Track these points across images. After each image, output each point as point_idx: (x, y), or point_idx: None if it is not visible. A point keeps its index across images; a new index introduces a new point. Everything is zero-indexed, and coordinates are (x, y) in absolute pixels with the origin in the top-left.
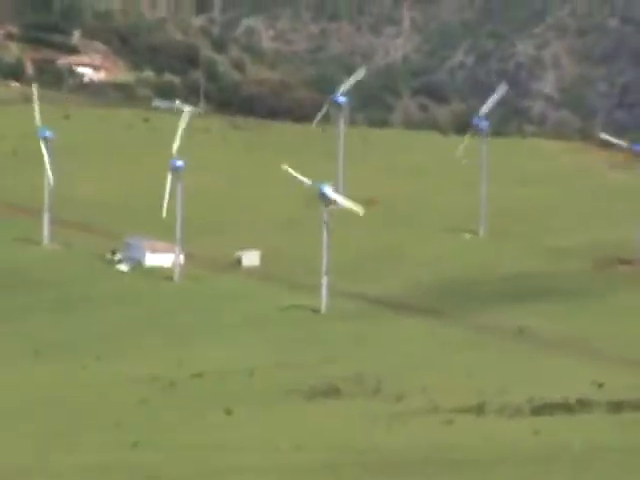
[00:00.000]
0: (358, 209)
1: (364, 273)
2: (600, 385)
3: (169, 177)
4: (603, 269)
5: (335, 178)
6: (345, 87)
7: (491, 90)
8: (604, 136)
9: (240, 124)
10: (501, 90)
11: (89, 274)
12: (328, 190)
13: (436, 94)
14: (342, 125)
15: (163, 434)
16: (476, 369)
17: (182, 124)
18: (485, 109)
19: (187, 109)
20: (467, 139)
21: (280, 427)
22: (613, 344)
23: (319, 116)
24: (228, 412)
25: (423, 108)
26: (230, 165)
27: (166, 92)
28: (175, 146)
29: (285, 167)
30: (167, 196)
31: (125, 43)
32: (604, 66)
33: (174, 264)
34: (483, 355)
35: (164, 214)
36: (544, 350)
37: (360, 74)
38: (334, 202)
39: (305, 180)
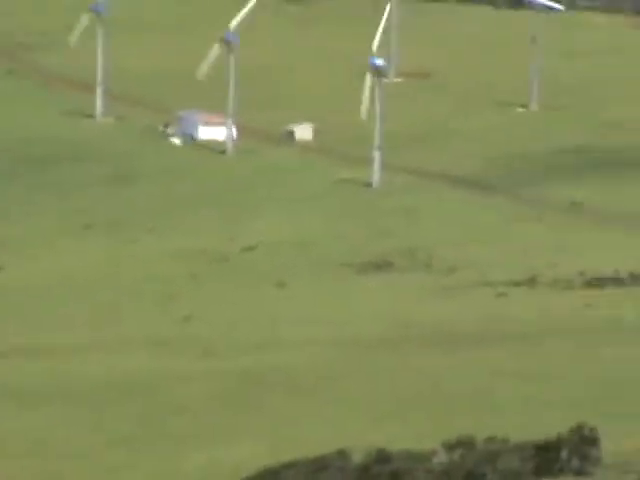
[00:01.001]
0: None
1: (416, 147)
2: None
3: (216, 46)
4: None
5: (387, 50)
6: None
7: None
8: None
9: None
10: None
11: (142, 148)
12: (380, 61)
13: None
14: None
15: (215, 307)
16: (528, 243)
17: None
18: None
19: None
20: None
21: (333, 300)
22: None
23: None
24: (281, 285)
25: None
26: (283, 39)
27: None
28: (234, 22)
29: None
30: (210, 60)
31: None
32: None
33: (227, 137)
34: (535, 229)
35: (199, 76)
36: (596, 224)
37: None
38: (387, 73)
39: (214, 52)
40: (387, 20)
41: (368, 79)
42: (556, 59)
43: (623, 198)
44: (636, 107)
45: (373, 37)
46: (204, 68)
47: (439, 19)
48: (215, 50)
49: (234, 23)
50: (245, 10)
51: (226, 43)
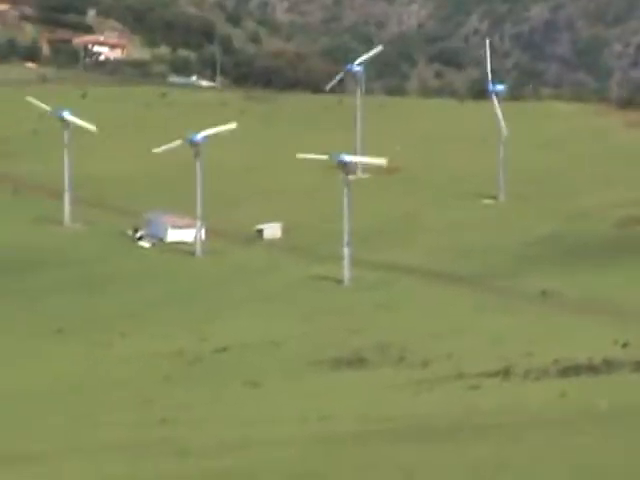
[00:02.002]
0: (381, 161)
1: (385, 241)
2: (624, 345)
3: (178, 141)
4: (624, 229)
5: (353, 147)
6: (361, 60)
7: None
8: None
9: (257, 97)
10: (377, 49)
11: (111, 252)
12: (347, 157)
13: (451, 60)
14: (359, 94)
15: (191, 409)
16: (500, 333)
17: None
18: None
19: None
20: (496, 105)
21: (306, 398)
22: (636, 304)
23: (334, 82)
24: (254, 384)
25: (438, 75)
26: (248, 138)
27: (182, 68)
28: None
29: (300, 155)
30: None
31: (139, 20)
32: (618, 26)
33: (196, 239)
34: (507, 319)
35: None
36: (568, 312)
37: (377, 50)
38: (354, 169)
39: (322, 157)
40: (354, 116)
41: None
42: (523, 149)
43: (593, 286)
44: (602, 195)
45: (338, 134)
46: (163, 148)
47: (404, 114)
48: (177, 142)
49: (205, 134)
50: (220, 129)
51: (193, 144)
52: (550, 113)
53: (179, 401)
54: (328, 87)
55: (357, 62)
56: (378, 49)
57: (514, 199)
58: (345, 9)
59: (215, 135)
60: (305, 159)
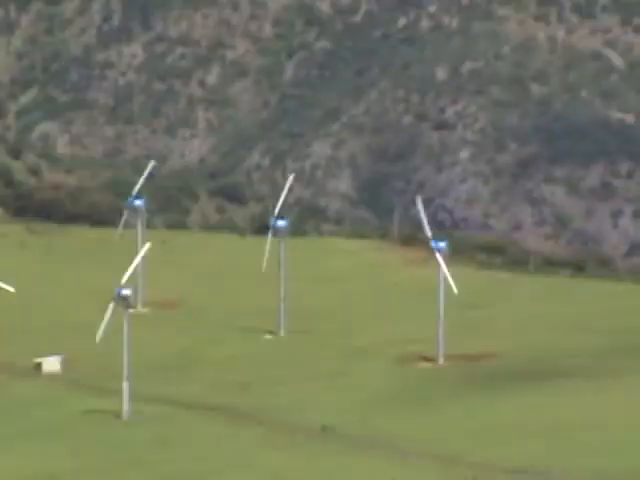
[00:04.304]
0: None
1: (166, 376)
2: None
3: None
4: (404, 366)
5: (135, 281)
6: (139, 185)
7: (289, 191)
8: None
9: (37, 229)
10: (289, 182)
11: None
12: (127, 291)
13: (233, 195)
14: (140, 229)
15: None
16: (281, 469)
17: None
18: (278, 207)
19: None
20: (269, 243)
21: None
22: (413, 440)
23: (121, 224)
24: None
25: (220, 210)
26: (28, 270)
27: None
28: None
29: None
30: None
31: None
32: (399, 163)
33: None
34: (287, 454)
35: None
36: (347, 448)
37: (150, 167)
38: (134, 303)
39: (109, 309)
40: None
41: (110, 307)
42: (303, 284)
43: (375, 422)
44: (381, 331)
45: (118, 268)
46: None
47: (185, 249)
48: None
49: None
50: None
51: None
52: (331, 249)
53: None
54: (118, 230)
55: (135, 189)
56: (151, 165)
57: (294, 334)
58: (127, 144)
59: None
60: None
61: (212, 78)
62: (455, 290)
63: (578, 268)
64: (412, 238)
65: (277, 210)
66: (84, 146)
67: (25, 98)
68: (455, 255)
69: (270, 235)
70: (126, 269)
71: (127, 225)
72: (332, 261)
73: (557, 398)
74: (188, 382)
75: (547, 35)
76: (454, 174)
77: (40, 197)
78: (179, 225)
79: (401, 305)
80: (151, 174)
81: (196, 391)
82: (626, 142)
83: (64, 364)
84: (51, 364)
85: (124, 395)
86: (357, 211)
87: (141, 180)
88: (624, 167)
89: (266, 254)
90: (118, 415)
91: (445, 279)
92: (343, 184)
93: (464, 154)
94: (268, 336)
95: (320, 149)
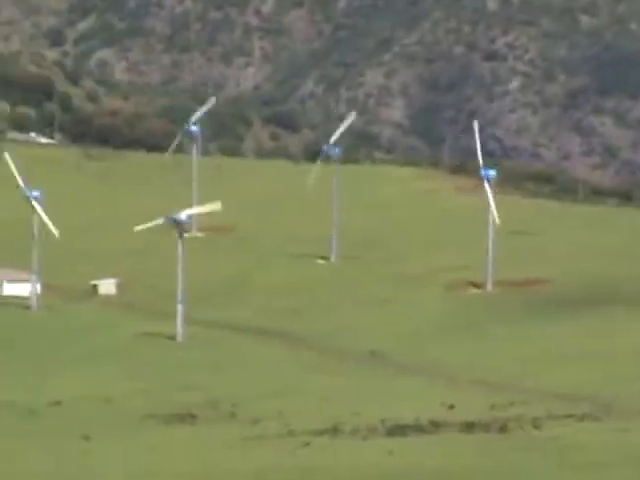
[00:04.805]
0: (216, 206)
1: (219, 300)
2: (451, 407)
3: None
4: (454, 292)
5: (190, 206)
6: (196, 117)
7: (341, 118)
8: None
9: (94, 154)
10: (350, 118)
11: None
12: (181, 215)
13: (287, 123)
14: (195, 154)
15: (21, 462)
16: (330, 392)
17: None
18: (335, 137)
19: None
20: (318, 167)
21: (136, 453)
22: (463, 366)
23: (173, 146)
24: (86, 438)
25: (274, 137)
26: (85, 195)
27: (21, 124)
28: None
29: (138, 228)
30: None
31: None
32: (451, 93)
33: (31, 293)
34: (336, 378)
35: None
36: (396, 372)
37: (210, 103)
38: (189, 228)
39: (157, 222)
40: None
41: (158, 220)
42: (355, 212)
43: (421, 347)
44: (432, 259)
45: (173, 193)
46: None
47: (240, 175)
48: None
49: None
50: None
51: (30, 200)
52: (383, 177)
53: (9, 454)
54: (169, 152)
55: (192, 118)
56: (211, 102)
57: (346, 260)
58: (183, 71)
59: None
60: (137, 216)
61: (267, 7)
62: (497, 220)
63: (625, 197)
64: (462, 166)
65: (333, 139)
66: (141, 73)
67: (83, 25)
68: (505, 183)
69: (320, 159)
70: (181, 193)
71: (182, 150)
72: (384, 188)
73: (611, 323)
74: (241, 306)
75: None
76: (504, 104)
77: (98, 123)
78: (233, 152)
79: (451, 232)
80: (207, 106)
81: (249, 315)
82: None
83: (120, 287)
84: (107, 287)
85: (178, 318)
86: (409, 139)
87: (199, 112)
88: None
89: (313, 175)
90: (172, 337)
91: (490, 207)
92: (395, 113)
93: (514, 84)
94: (320, 261)
95: (373, 78)
